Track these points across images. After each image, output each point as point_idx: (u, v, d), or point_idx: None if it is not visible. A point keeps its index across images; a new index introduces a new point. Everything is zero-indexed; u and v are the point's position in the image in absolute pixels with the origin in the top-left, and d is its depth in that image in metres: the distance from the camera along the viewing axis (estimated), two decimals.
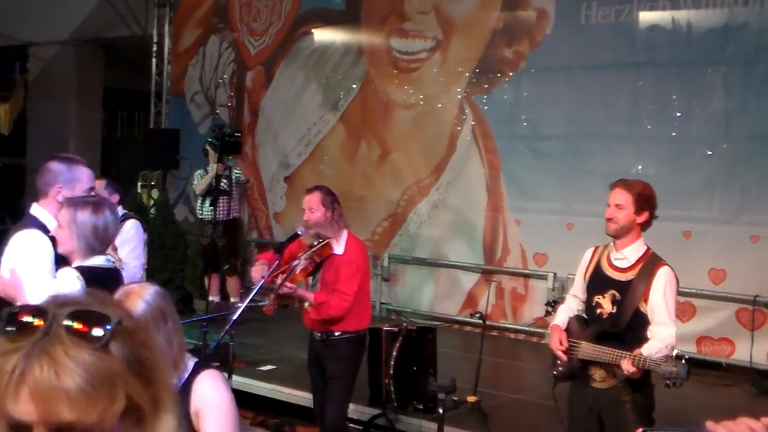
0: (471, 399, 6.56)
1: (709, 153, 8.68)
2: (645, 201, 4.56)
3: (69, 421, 1.07)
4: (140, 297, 2.80)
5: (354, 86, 11.32)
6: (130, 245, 6.32)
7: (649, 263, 4.50)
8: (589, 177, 9.17)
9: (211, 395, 2.92)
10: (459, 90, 10.36)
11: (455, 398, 6.41)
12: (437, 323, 9.25)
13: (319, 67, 11.69)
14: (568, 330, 4.69)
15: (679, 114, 8.89)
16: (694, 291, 8.51)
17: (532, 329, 9.55)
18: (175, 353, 2.85)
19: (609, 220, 4.53)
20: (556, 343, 4.63)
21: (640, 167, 9.07)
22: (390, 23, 10.92)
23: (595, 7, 9.35)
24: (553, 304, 8.93)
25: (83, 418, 1.08)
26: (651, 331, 4.39)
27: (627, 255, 4.54)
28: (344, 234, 5.72)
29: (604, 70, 9.35)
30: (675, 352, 4.16)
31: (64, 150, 15.33)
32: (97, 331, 1.11)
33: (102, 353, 1.11)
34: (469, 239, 10.24)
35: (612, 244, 4.63)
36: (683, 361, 4.13)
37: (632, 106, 9.16)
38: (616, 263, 4.57)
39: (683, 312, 8.61)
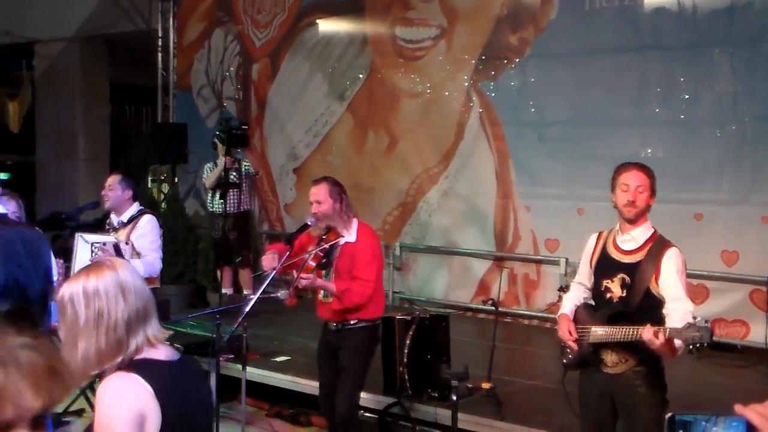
0: (485, 386, 6.58)
1: (718, 134, 8.67)
2: (655, 184, 4.55)
3: None
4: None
5: (360, 76, 11.32)
6: (147, 238, 6.38)
7: (657, 244, 4.47)
8: (598, 162, 9.15)
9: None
10: (465, 77, 10.35)
11: (469, 385, 6.43)
12: (450, 311, 9.28)
13: (324, 58, 11.69)
14: (575, 318, 4.65)
15: (686, 96, 8.86)
16: (706, 273, 8.52)
17: (545, 315, 9.56)
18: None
19: (631, 203, 4.45)
20: (566, 333, 4.59)
21: (649, 151, 9.05)
22: (394, 12, 10.91)
23: None
24: (565, 289, 8.96)
25: None
26: (668, 308, 4.33)
27: (635, 236, 4.50)
28: (354, 222, 5.72)
29: (610, 55, 9.33)
30: (697, 319, 4.09)
31: (74, 146, 15.45)
32: None
33: None
34: (480, 226, 10.24)
35: (617, 227, 4.59)
36: (706, 323, 4.06)
37: (639, 89, 9.14)
38: (623, 246, 4.53)
39: (696, 294, 8.61)
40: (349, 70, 11.43)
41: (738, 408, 1.70)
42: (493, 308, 7.20)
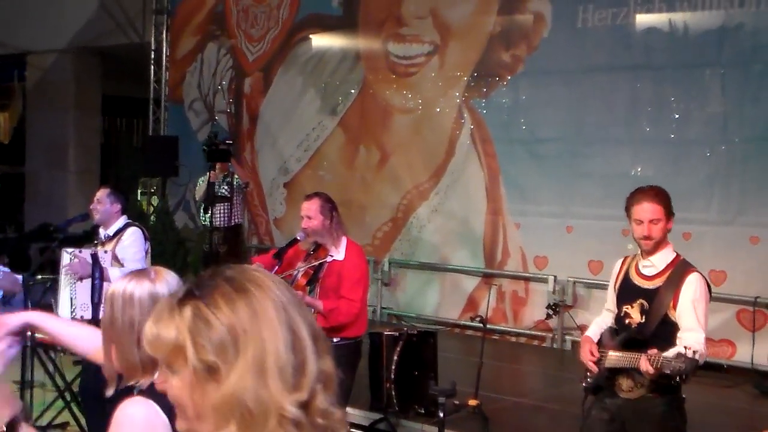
0: (472, 402, 6.57)
1: (708, 154, 8.70)
2: (671, 206, 4.47)
3: None
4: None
5: (352, 91, 11.33)
6: (131, 249, 6.36)
7: (679, 269, 4.38)
8: (588, 180, 9.20)
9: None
10: (457, 94, 10.37)
11: (456, 402, 6.41)
12: (438, 327, 9.27)
13: (317, 73, 11.70)
14: (599, 342, 4.59)
15: (677, 116, 8.90)
16: None
17: (532, 332, 9.56)
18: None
19: (647, 237, 4.36)
20: (587, 354, 4.52)
21: (639, 169, 9.09)
22: (387, 28, 10.94)
23: (592, 10, 9.37)
24: (554, 307, 8.96)
25: None
26: (680, 337, 4.27)
27: (655, 262, 4.42)
28: (343, 240, 5.72)
29: (601, 73, 9.36)
30: (685, 350, 4.02)
31: (64, 158, 15.42)
32: None
33: None
34: (470, 243, 10.24)
35: (640, 252, 4.51)
36: (695, 356, 4.01)
37: (630, 108, 9.17)
38: (644, 271, 4.46)
39: None
40: (342, 86, 11.45)
41: None
42: (481, 325, 7.18)
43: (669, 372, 4.05)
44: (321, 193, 5.82)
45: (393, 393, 6.51)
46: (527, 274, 9.73)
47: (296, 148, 11.85)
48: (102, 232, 6.53)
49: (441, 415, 5.28)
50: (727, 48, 8.59)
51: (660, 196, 4.44)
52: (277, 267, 5.57)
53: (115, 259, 6.28)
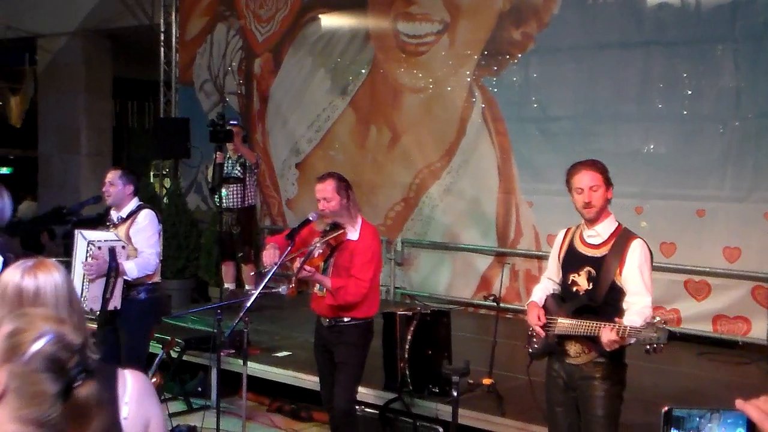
0: (486, 381, 6.58)
1: (721, 130, 8.64)
2: (608, 176, 4.66)
3: None
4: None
5: (362, 71, 11.30)
6: (144, 233, 6.35)
7: (622, 237, 4.57)
8: (600, 157, 8.94)
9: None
10: (468, 73, 10.33)
11: (470, 381, 6.43)
12: (451, 306, 9.27)
13: (326, 53, 11.67)
14: (544, 307, 4.77)
15: (689, 92, 8.84)
16: (708, 270, 8.52)
17: None
18: None
19: (588, 204, 4.57)
20: (534, 318, 4.71)
21: (651, 146, 9.05)
22: (396, 7, 10.89)
23: None
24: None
25: None
26: (627, 302, 4.46)
27: (600, 231, 4.62)
28: (359, 220, 5.72)
29: (613, 50, 9.29)
30: (656, 319, 4.17)
31: (76, 141, 15.46)
32: None
33: None
34: (482, 222, 10.23)
35: (583, 222, 4.70)
36: (665, 325, 4.15)
37: (642, 85, 9.11)
38: (589, 240, 4.64)
39: (698, 291, 8.61)
40: (352, 66, 11.41)
41: (738, 403, 1.68)
42: (495, 304, 7.18)
43: (640, 342, 4.20)
44: (334, 173, 5.81)
45: (407, 372, 6.52)
46: (540, 253, 9.70)
47: (307, 128, 11.84)
48: (114, 214, 6.52)
49: (455, 394, 5.29)
50: (739, 22, 8.50)
51: (597, 165, 4.69)
52: (290, 247, 5.57)
53: (129, 240, 6.29)
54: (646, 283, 4.46)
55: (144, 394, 2.53)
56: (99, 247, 5.98)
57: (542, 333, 4.69)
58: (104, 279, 5.98)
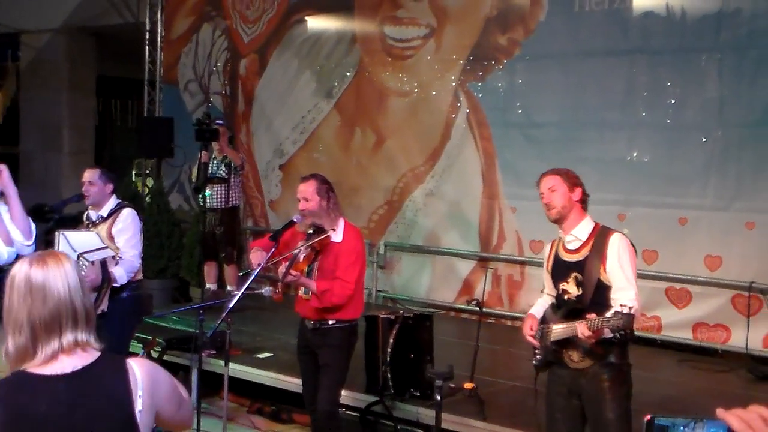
0: (468, 386, 6.59)
1: (704, 139, 8.69)
2: (574, 178, 4.70)
3: None
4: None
5: (348, 74, 11.30)
6: (126, 234, 6.32)
7: (600, 235, 4.60)
8: (584, 164, 9.13)
9: None
10: (453, 77, 10.34)
11: (452, 385, 6.43)
12: (434, 310, 9.27)
13: (312, 55, 11.66)
14: (543, 319, 4.80)
15: (673, 101, 8.88)
16: (689, 277, 8.56)
17: None
18: None
19: (547, 206, 4.64)
20: (527, 329, 4.78)
21: (634, 154, 9.09)
22: (383, 10, 10.90)
23: None
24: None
25: None
26: (613, 298, 4.48)
27: (577, 235, 4.64)
28: (341, 222, 5.72)
29: (598, 57, 9.33)
30: (623, 310, 4.19)
31: (59, 139, 15.36)
32: None
33: None
34: (465, 227, 10.24)
35: (560, 231, 4.73)
36: (629, 311, 4.17)
37: (627, 93, 9.15)
38: (570, 246, 4.67)
39: (679, 298, 8.66)
40: (337, 68, 11.41)
41: (719, 412, 1.69)
42: (477, 308, 7.19)
43: (609, 331, 4.24)
44: (317, 175, 5.82)
45: (389, 376, 6.52)
46: (523, 258, 9.73)
47: (292, 130, 11.82)
48: (93, 213, 6.49)
49: (437, 398, 5.29)
50: (724, 33, 8.56)
51: (557, 170, 4.78)
52: (273, 249, 5.57)
53: (111, 239, 6.26)
54: (628, 276, 4.50)
55: (154, 381, 2.57)
56: (92, 262, 5.96)
57: (535, 342, 4.73)
58: (96, 290, 5.98)
